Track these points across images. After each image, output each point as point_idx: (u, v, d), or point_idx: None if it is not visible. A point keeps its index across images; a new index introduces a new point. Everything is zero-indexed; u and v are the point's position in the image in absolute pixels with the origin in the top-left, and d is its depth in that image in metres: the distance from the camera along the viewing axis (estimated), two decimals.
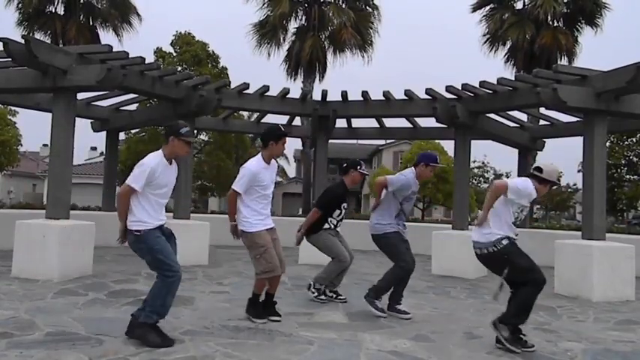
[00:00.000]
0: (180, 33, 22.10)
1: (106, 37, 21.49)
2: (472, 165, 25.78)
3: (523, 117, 11.52)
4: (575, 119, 9.95)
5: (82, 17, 20.83)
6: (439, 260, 8.82)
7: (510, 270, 4.21)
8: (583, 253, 7.06)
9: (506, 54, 21.33)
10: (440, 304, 6.23)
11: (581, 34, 20.88)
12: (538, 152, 12.67)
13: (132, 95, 10.42)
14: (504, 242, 4.21)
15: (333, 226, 5.92)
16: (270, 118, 12.14)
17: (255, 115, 12.74)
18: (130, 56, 7.75)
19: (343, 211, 5.98)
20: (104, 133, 11.73)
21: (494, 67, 71.90)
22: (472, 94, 9.13)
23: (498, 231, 4.24)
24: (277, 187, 6.35)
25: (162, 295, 4.02)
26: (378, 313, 5.30)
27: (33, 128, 24.49)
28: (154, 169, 4.02)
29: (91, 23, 21.11)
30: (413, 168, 5.51)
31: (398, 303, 5.41)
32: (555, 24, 20.46)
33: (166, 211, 4.46)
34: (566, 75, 7.53)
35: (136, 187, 3.99)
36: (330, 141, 11.52)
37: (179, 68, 17.14)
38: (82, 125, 9.95)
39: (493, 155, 64.35)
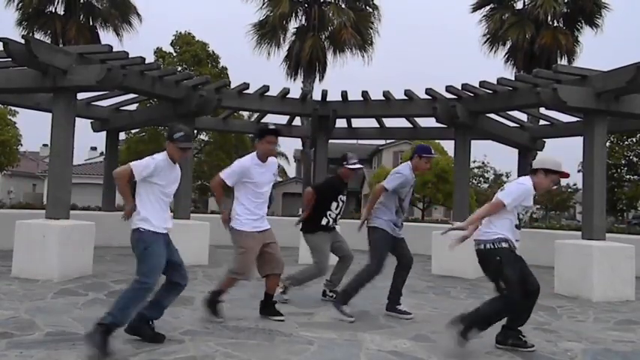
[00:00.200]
0: (180, 33, 22.14)
1: (106, 37, 21.53)
2: (472, 165, 25.79)
3: (523, 117, 11.53)
4: (575, 119, 9.95)
5: (82, 17, 20.83)
6: (439, 260, 8.81)
7: (495, 274, 4.14)
8: (583, 253, 7.06)
9: (506, 54, 21.34)
10: (440, 304, 6.23)
11: (581, 34, 20.91)
12: (538, 152, 12.67)
13: (132, 95, 10.42)
14: (503, 244, 4.15)
15: (331, 220, 5.79)
16: (270, 118, 12.14)
17: (255, 115, 12.74)
18: (130, 56, 7.75)
19: (341, 204, 5.84)
20: (104, 133, 11.73)
21: (494, 67, 71.98)
22: (472, 94, 9.13)
23: (500, 231, 4.21)
24: (276, 187, 6.33)
25: (126, 300, 3.89)
26: (347, 318, 5.08)
27: (33, 128, 24.52)
28: (158, 166, 4.01)
29: (91, 23, 21.12)
30: (409, 162, 5.42)
31: (398, 303, 5.40)
32: (555, 24, 20.47)
33: None
34: (566, 75, 7.53)
35: (135, 173, 3.96)
36: (330, 141, 11.52)
37: (179, 68, 17.16)
38: (82, 125, 9.96)
39: (493, 155, 64.45)
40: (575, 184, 38.48)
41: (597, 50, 26.20)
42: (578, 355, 4.29)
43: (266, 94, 10.32)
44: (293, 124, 12.69)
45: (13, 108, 21.82)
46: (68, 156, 7.55)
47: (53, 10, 20.54)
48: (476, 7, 21.61)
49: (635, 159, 23.82)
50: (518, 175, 9.40)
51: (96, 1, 21.15)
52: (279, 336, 4.44)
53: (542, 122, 11.35)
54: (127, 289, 3.97)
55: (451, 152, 14.58)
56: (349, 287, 5.24)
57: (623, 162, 23.68)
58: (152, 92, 8.91)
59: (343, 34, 19.53)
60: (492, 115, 10.06)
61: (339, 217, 5.91)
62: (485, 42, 21.52)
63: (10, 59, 7.22)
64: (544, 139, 11.72)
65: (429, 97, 9.69)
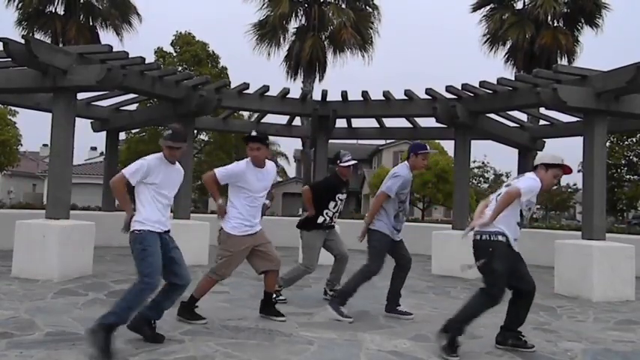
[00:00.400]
0: (181, 33, 22.13)
1: (106, 37, 21.56)
2: (472, 165, 25.80)
3: (523, 117, 11.53)
4: (575, 119, 9.95)
5: (82, 17, 20.85)
6: (439, 260, 8.81)
7: (484, 265, 4.10)
8: (583, 253, 7.06)
9: (506, 54, 21.37)
10: (440, 304, 6.23)
11: (581, 34, 20.94)
12: (538, 152, 12.68)
13: (132, 95, 10.42)
14: (500, 237, 4.13)
15: (328, 219, 5.76)
16: (270, 118, 12.16)
17: (255, 115, 12.74)
18: (130, 56, 7.75)
19: (339, 203, 5.81)
20: (104, 133, 11.74)
21: (494, 67, 71.89)
22: (472, 94, 9.14)
23: (500, 226, 4.20)
24: (276, 187, 6.28)
25: (130, 299, 3.90)
26: (344, 319, 5.07)
27: (33, 128, 24.52)
28: (150, 166, 4.01)
29: (91, 23, 21.14)
30: (406, 162, 5.37)
31: (397, 304, 5.39)
32: (555, 24, 20.50)
33: None
34: (566, 75, 7.53)
35: (129, 178, 3.97)
36: (330, 141, 11.53)
37: (179, 68, 17.16)
38: (82, 125, 9.96)
39: (493, 155, 64.38)
40: (575, 184, 38.48)
41: (597, 50, 26.22)
42: (578, 355, 4.29)
43: (266, 94, 10.32)
44: (293, 124, 12.69)
45: (13, 108, 21.82)
46: (68, 156, 7.55)
47: (53, 10, 20.56)
48: (476, 7, 21.64)
49: (635, 159, 23.83)
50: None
51: (96, 1, 21.16)
52: (279, 336, 4.44)
53: (542, 122, 11.35)
54: (129, 289, 3.97)
55: (451, 152, 14.57)
56: (347, 287, 5.24)
57: (623, 162, 23.69)
58: (152, 92, 8.91)
59: (343, 34, 19.54)
60: (492, 115, 10.06)
61: (336, 215, 5.87)
62: (485, 42, 21.55)
63: (10, 59, 7.22)
64: (544, 139, 11.72)
65: (429, 97, 9.69)
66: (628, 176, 24.54)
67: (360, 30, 20.22)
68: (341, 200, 5.83)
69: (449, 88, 9.21)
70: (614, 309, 6.32)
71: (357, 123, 12.24)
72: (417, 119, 11.59)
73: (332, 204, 5.75)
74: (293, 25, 20.84)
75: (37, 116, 56.51)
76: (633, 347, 4.59)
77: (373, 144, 40.34)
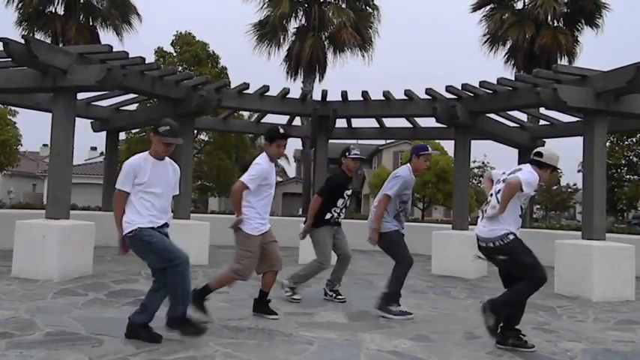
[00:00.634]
0: (181, 33, 22.12)
1: (106, 37, 21.52)
2: (472, 165, 25.79)
3: (523, 117, 11.52)
4: (575, 119, 9.95)
5: (82, 17, 20.82)
6: (439, 260, 8.81)
7: (512, 266, 4.25)
8: (583, 253, 7.06)
9: (506, 54, 21.34)
10: (440, 304, 6.23)
11: (581, 34, 20.90)
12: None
13: (132, 95, 10.42)
14: (510, 237, 4.23)
15: (336, 215, 5.84)
16: (270, 118, 12.16)
17: (255, 115, 12.74)
18: (130, 56, 7.75)
19: (346, 199, 5.89)
20: (104, 133, 11.73)
21: (494, 67, 72.01)
22: (472, 94, 9.13)
23: (505, 226, 4.24)
24: (276, 187, 6.23)
25: (179, 284, 3.95)
26: (402, 317, 5.21)
27: (33, 128, 24.51)
28: (133, 166, 3.99)
29: (91, 23, 21.10)
30: (408, 164, 5.45)
31: (397, 304, 5.40)
32: (555, 24, 20.47)
33: None
34: (566, 75, 7.53)
35: (124, 189, 4.00)
36: (330, 141, 11.52)
37: (179, 68, 17.16)
38: (82, 125, 9.96)
39: (493, 155, 64.18)
40: (575, 184, 38.50)
41: (597, 50, 26.20)
42: (578, 355, 4.29)
43: (266, 94, 10.31)
44: (293, 124, 12.69)
45: (13, 108, 21.83)
46: (68, 156, 7.55)
47: (53, 10, 20.52)
48: (476, 7, 21.60)
49: (635, 159, 23.83)
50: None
51: (96, 1, 21.13)
52: (279, 336, 4.44)
53: (542, 122, 11.35)
54: (171, 278, 3.96)
55: (451, 152, 14.56)
56: (391, 288, 5.31)
57: (623, 162, 23.69)
58: (152, 92, 8.91)
59: (343, 34, 19.52)
60: (492, 115, 10.06)
61: (343, 211, 5.94)
62: (485, 42, 21.52)
63: (10, 59, 7.22)
64: (544, 139, 11.71)
65: (429, 97, 9.69)
66: (628, 176, 24.54)
67: (360, 30, 20.20)
68: (348, 196, 5.93)
69: (449, 88, 9.21)
70: (614, 309, 6.32)
71: (357, 123, 12.25)
72: (417, 119, 11.59)
73: (340, 201, 5.84)
74: (293, 25, 20.84)
75: (37, 116, 56.52)
76: (633, 347, 4.59)
77: (373, 144, 40.42)
